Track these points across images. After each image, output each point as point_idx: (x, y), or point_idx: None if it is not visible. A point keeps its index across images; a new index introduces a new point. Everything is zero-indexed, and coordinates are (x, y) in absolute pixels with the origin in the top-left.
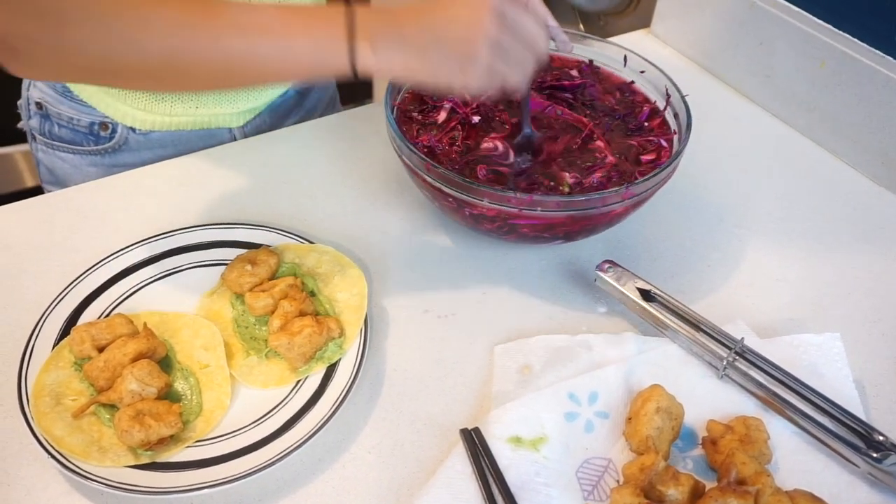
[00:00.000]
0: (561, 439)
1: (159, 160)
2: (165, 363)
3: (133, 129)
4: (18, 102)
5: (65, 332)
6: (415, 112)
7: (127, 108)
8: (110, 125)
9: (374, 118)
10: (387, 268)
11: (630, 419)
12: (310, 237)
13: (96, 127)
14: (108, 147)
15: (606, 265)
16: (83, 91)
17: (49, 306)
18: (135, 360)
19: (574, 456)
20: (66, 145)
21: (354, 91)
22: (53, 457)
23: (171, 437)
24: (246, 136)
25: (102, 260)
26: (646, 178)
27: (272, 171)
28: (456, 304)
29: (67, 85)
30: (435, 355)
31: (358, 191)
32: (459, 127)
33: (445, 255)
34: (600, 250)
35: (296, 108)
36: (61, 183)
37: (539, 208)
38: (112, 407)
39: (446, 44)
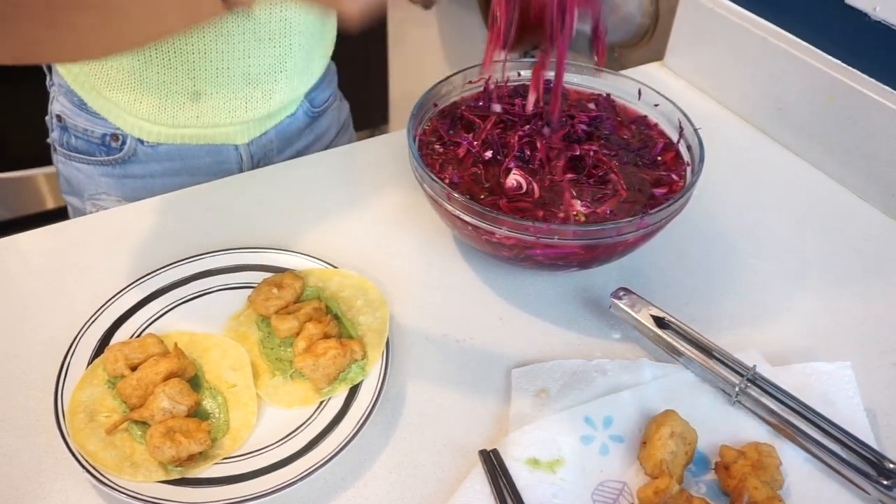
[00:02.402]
0: (577, 462)
1: (168, 173)
2: (194, 382)
3: (142, 141)
4: (46, 118)
5: (98, 350)
6: (436, 144)
7: (134, 120)
8: (121, 137)
9: (392, 145)
10: (407, 292)
11: (644, 443)
12: (333, 262)
13: (108, 138)
14: (118, 158)
15: (621, 292)
16: (96, 103)
17: (84, 326)
18: (166, 378)
19: (590, 478)
20: (81, 156)
21: (369, 115)
22: (88, 471)
23: (200, 453)
24: (252, 155)
25: (135, 281)
26: (659, 208)
27: (295, 197)
28: (474, 328)
29: (83, 98)
30: (454, 378)
31: (379, 217)
32: (481, 166)
33: (464, 281)
34: (614, 278)
35: (306, 129)
36: (77, 192)
37: (556, 237)
38: (144, 424)
39: None
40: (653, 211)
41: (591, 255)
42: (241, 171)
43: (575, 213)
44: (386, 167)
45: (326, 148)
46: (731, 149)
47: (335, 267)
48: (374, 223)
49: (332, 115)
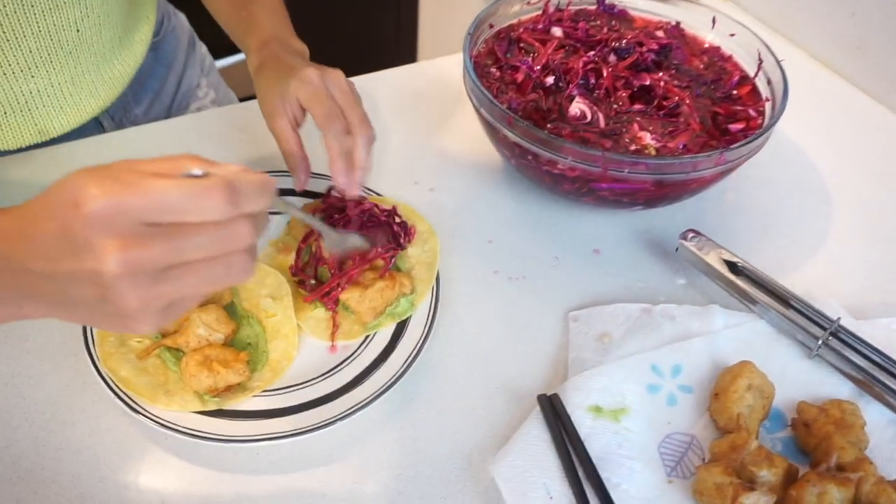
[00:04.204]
0: (643, 411)
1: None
2: (230, 310)
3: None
4: None
5: None
6: (492, 67)
7: None
8: None
9: (427, 74)
10: (456, 226)
11: (717, 395)
12: (378, 190)
13: None
14: None
15: (690, 234)
16: None
17: None
18: (201, 304)
19: (656, 429)
20: None
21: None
22: (121, 398)
23: (238, 384)
24: (113, 119)
25: None
26: (741, 143)
27: None
28: (527, 267)
29: None
30: (507, 318)
31: (427, 145)
32: (542, 92)
33: (517, 217)
34: (678, 220)
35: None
36: None
37: (627, 170)
38: (177, 351)
39: (75, 307)
40: (734, 146)
41: (661, 193)
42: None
43: (644, 146)
44: (430, 95)
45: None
46: (805, 91)
47: (380, 195)
48: (421, 153)
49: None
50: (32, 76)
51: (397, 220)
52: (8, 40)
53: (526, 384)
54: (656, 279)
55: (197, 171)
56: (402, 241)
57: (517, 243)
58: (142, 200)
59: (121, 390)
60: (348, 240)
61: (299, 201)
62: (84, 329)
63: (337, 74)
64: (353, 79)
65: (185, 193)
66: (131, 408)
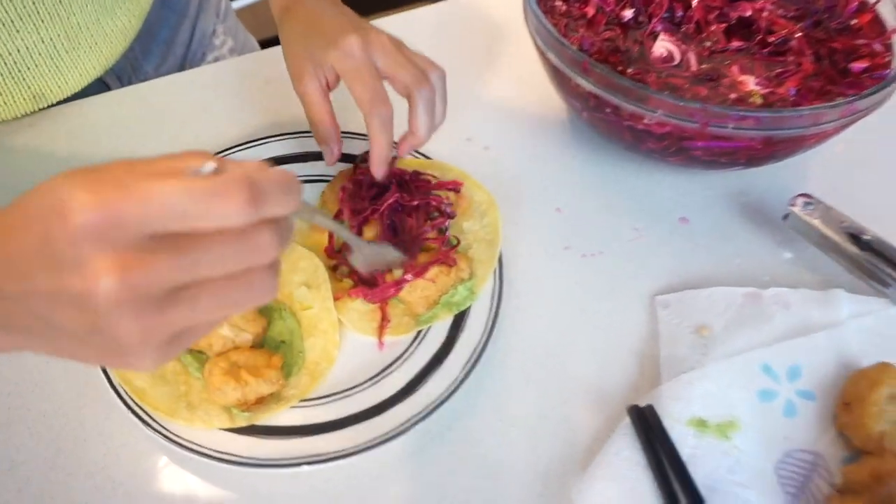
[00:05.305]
0: (755, 425)
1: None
2: None
3: None
4: None
5: None
6: (557, 1)
7: None
8: None
9: (491, 8)
10: (517, 194)
11: (848, 405)
12: (425, 151)
13: None
14: None
15: (801, 199)
16: None
17: None
18: None
19: (772, 447)
20: None
21: None
22: (136, 413)
23: (271, 394)
24: (120, 80)
25: None
26: (877, 88)
27: None
28: (603, 240)
29: None
30: (581, 304)
31: (478, 95)
32: (618, 29)
33: (588, 180)
34: (780, 179)
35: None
36: None
37: (731, 125)
38: (200, 353)
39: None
40: (867, 93)
41: (769, 151)
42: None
43: (748, 92)
44: (479, 35)
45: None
46: None
47: (428, 158)
48: (472, 105)
49: None
50: (17, 31)
51: (442, 195)
52: None
53: (608, 387)
54: (758, 253)
55: (208, 166)
56: (447, 208)
57: (590, 212)
58: (143, 206)
59: (136, 403)
60: (383, 253)
61: (334, 166)
62: None
63: (382, 42)
64: (386, 19)
65: (196, 195)
66: (148, 425)
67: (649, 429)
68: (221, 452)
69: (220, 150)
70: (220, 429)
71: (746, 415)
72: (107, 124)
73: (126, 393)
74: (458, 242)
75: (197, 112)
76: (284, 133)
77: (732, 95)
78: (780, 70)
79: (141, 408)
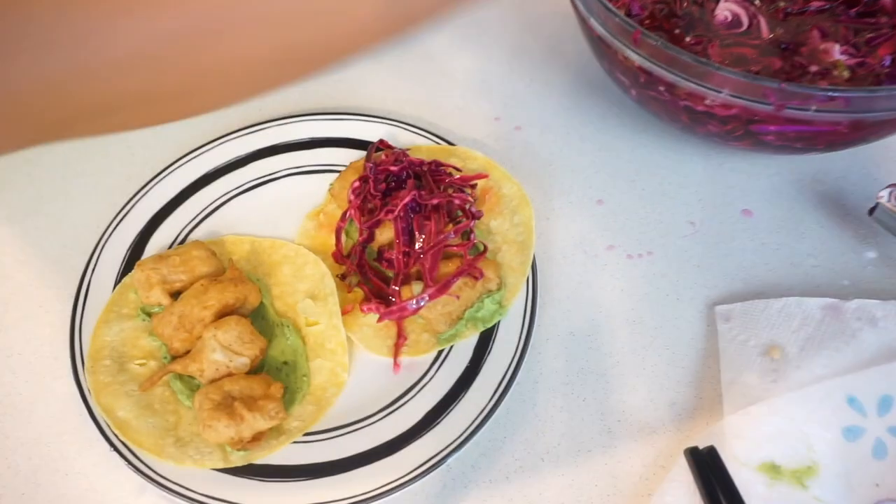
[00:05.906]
0: (838, 470)
1: None
2: (258, 313)
3: None
4: None
5: (129, 265)
6: None
7: None
8: None
9: None
10: (552, 183)
11: None
12: (446, 135)
13: None
14: None
15: (891, 189)
16: None
17: (107, 229)
18: (218, 315)
19: (860, 496)
20: None
21: None
22: (118, 450)
23: (271, 428)
24: None
25: (173, 164)
26: None
27: (395, 52)
28: (652, 238)
29: None
30: (627, 314)
31: (506, 68)
32: None
33: (635, 167)
34: (857, 164)
35: None
36: None
37: (814, 107)
38: (191, 379)
39: None
40: None
41: (857, 135)
42: None
43: (832, 63)
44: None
45: None
46: None
47: (451, 143)
48: (497, 78)
49: None
50: None
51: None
52: None
53: (659, 420)
54: (835, 253)
55: None
56: (471, 208)
57: (637, 205)
58: None
59: (118, 438)
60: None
61: (345, 154)
62: (71, 347)
63: None
64: None
65: None
66: (132, 464)
67: (710, 476)
68: (214, 499)
69: (209, 139)
70: (214, 469)
71: (828, 457)
72: None
73: (106, 423)
74: (486, 249)
75: None
76: (288, 116)
77: (813, 68)
78: (870, 35)
79: (124, 444)
